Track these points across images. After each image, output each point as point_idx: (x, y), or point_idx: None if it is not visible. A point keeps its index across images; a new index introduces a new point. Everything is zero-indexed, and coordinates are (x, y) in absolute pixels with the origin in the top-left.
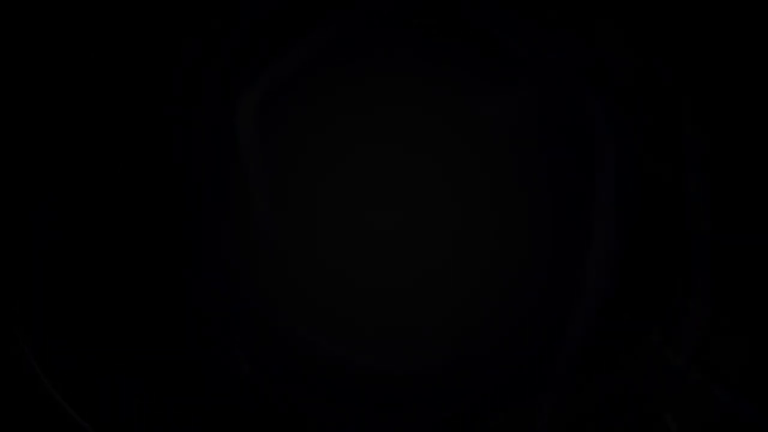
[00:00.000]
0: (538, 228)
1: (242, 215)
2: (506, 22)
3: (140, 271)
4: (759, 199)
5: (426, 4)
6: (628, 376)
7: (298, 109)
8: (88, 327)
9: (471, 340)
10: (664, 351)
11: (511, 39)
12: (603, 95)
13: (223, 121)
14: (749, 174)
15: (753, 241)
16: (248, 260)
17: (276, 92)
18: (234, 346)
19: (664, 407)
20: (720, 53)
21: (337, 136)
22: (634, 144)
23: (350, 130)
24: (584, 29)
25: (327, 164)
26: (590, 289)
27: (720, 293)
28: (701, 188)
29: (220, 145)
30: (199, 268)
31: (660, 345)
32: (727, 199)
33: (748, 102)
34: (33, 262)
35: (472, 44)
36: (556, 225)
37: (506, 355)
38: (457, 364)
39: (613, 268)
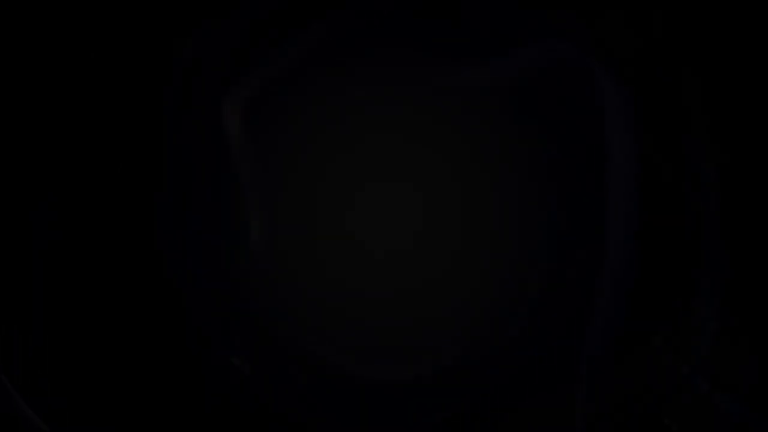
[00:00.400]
0: (542, 229)
1: (238, 217)
2: (509, 20)
3: (139, 271)
4: None
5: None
6: (628, 377)
7: (290, 109)
8: (87, 327)
9: (473, 344)
10: (666, 355)
11: (512, 31)
12: (610, 90)
13: (214, 122)
14: (761, 174)
15: (762, 243)
16: (245, 264)
17: (265, 93)
18: (234, 349)
19: (665, 411)
20: (728, 50)
21: (332, 135)
22: (640, 142)
23: (345, 129)
24: (588, 23)
25: (322, 165)
26: (605, 292)
27: (728, 297)
28: (710, 186)
29: (213, 146)
30: (197, 270)
31: (662, 348)
32: (738, 200)
33: (757, 100)
34: (33, 262)
35: (466, 27)
36: (561, 228)
37: (509, 358)
38: (456, 368)
39: (625, 271)
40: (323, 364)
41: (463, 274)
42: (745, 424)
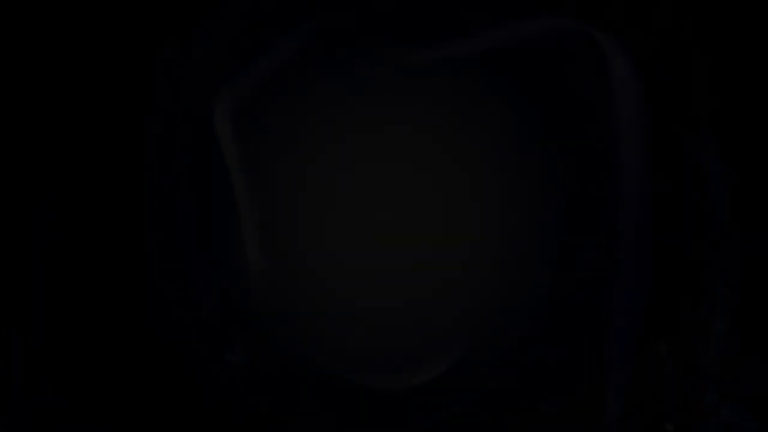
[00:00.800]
0: (548, 228)
1: (232, 222)
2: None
3: (139, 271)
4: None
5: None
6: (630, 385)
7: (283, 110)
8: (87, 327)
9: (476, 347)
10: (671, 362)
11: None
12: (617, 62)
13: (206, 125)
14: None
15: None
16: (242, 270)
17: (257, 95)
18: (230, 347)
19: (669, 421)
20: (735, 48)
21: (326, 133)
22: (652, 144)
23: (340, 126)
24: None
25: (318, 166)
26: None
27: (737, 302)
28: (717, 188)
29: (206, 149)
30: (194, 276)
31: (667, 355)
32: (751, 204)
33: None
34: (33, 262)
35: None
36: (568, 226)
37: (513, 360)
38: (459, 371)
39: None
40: (323, 371)
41: (465, 275)
42: None
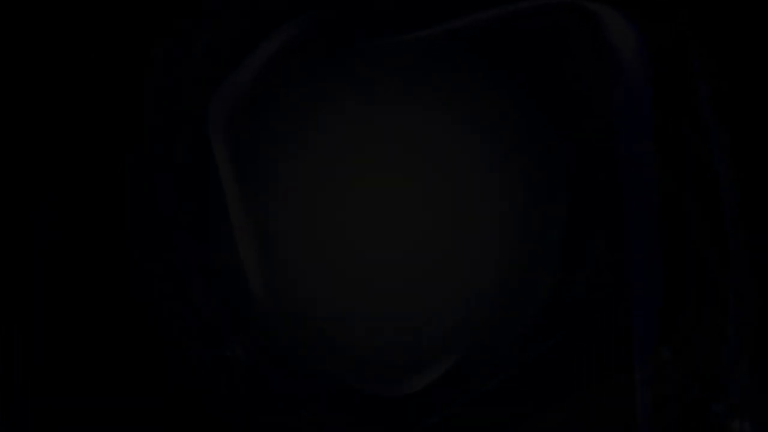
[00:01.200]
0: (550, 226)
1: (228, 228)
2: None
3: (136, 271)
4: None
5: None
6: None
7: (278, 109)
8: (87, 327)
9: (478, 347)
10: (675, 368)
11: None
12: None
13: (200, 129)
14: None
15: None
16: (241, 278)
17: (254, 90)
18: (231, 350)
19: (669, 424)
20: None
21: (324, 137)
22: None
23: (338, 129)
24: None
25: (315, 167)
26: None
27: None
28: (730, 188)
29: (199, 153)
30: (191, 282)
31: (671, 361)
32: (759, 203)
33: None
34: (33, 262)
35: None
36: (570, 224)
37: (517, 358)
38: (460, 373)
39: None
40: (323, 373)
41: (465, 275)
42: None
